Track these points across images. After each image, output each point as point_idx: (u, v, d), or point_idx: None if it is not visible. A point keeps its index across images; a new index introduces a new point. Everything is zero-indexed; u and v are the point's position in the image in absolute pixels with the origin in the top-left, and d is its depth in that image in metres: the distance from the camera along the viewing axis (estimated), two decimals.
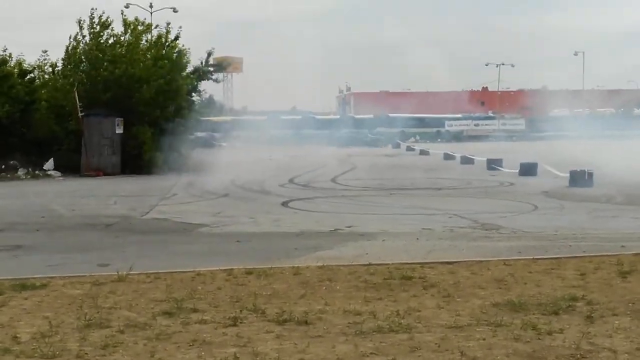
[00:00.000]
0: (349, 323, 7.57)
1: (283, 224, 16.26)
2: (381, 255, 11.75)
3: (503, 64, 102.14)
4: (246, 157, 42.37)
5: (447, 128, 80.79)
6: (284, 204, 20.38)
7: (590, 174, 24.26)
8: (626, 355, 6.44)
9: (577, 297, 8.47)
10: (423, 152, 47.46)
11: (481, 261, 10.98)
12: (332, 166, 35.05)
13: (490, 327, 7.32)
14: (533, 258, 11.17)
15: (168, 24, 35.30)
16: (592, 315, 7.76)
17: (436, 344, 6.84)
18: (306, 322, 7.61)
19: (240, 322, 7.67)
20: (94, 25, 33.75)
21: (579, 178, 24.07)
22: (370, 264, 10.64)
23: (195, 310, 8.11)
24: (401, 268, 10.23)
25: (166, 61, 33.34)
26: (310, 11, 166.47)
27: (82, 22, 33.90)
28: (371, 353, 6.63)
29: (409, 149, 53.59)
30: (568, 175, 24.62)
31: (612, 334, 7.05)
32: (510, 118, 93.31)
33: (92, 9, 33.89)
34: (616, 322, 7.49)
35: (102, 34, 33.93)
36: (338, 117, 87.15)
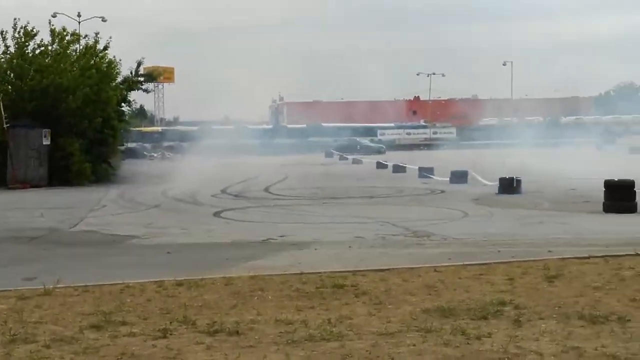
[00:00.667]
0: (280, 332, 7.55)
1: (215, 235, 16.16)
2: (313, 264, 11.75)
3: (434, 74, 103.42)
4: (178, 168, 42.03)
5: (379, 137, 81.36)
6: (216, 214, 20.27)
7: (519, 182, 24.69)
8: (552, 357, 6.56)
9: (505, 302, 8.60)
10: (356, 161, 47.73)
11: (412, 268, 11.07)
12: (265, 176, 35.00)
13: (420, 333, 7.38)
14: (463, 264, 11.31)
15: (97, 33, 34.92)
16: (520, 319, 7.88)
17: (367, 351, 6.87)
18: (237, 333, 7.57)
19: (170, 334, 7.59)
20: (19, 35, 33.13)
21: (508, 185, 24.48)
22: (302, 273, 10.64)
23: (124, 323, 8.00)
24: (333, 276, 10.25)
25: (94, 71, 32.91)
26: (243, 21, 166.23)
27: (4, 32, 33.30)
28: None
29: (342, 158, 53.81)
30: (497, 182, 25.00)
31: (539, 337, 7.17)
32: (441, 127, 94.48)
33: (15, 19, 33.32)
34: (543, 325, 7.62)
35: (27, 43, 33.32)
36: (271, 126, 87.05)
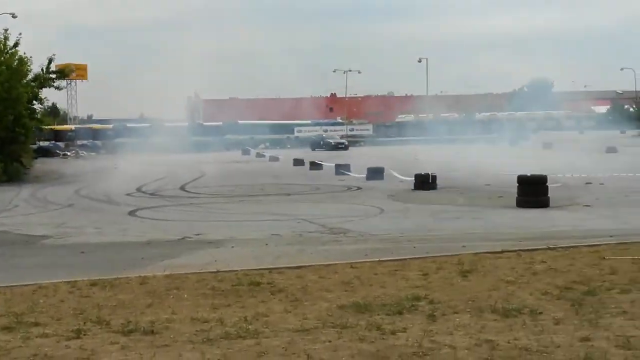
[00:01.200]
0: (196, 331, 7.47)
1: (130, 234, 15.92)
2: (230, 262, 11.69)
3: (350, 71, 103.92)
4: (92, 166, 41.32)
5: (296, 134, 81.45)
6: (131, 213, 19.97)
7: (434, 177, 25.00)
8: (466, 351, 6.64)
9: (420, 297, 8.68)
10: (273, 159, 47.65)
11: (329, 265, 11.10)
12: (181, 174, 34.66)
13: (336, 329, 7.39)
14: (379, 260, 11.39)
15: (6, 30, 34.00)
16: (434, 313, 7.97)
17: (283, 347, 6.85)
18: (152, 332, 7.47)
19: (84, 335, 7.44)
20: None
21: (423, 181, 24.75)
22: (218, 271, 10.57)
23: (36, 324, 7.81)
24: (249, 274, 10.21)
25: (4, 68, 32.05)
26: (158, 18, 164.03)
27: None
28: None
29: (259, 155, 53.68)
30: (413, 178, 25.26)
31: (453, 331, 7.26)
32: (358, 124, 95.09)
33: None
34: (457, 319, 7.72)
35: None
36: (186, 124, 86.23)
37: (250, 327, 7.54)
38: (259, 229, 16.04)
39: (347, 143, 67.73)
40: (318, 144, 66.80)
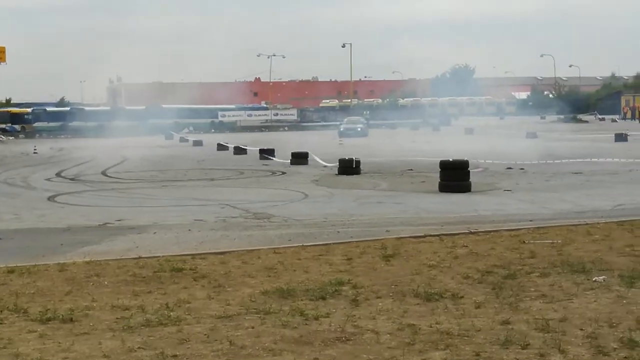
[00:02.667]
0: (116, 318, 7.32)
1: (49, 220, 15.54)
2: (152, 248, 11.51)
3: (274, 55, 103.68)
4: (9, 151, 40.34)
5: (220, 119, 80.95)
6: (50, 198, 19.53)
7: (358, 162, 25.08)
8: (388, 335, 6.66)
9: (343, 282, 8.68)
10: (196, 143, 47.25)
11: (252, 250, 11.02)
12: (103, 159, 34.07)
13: (259, 315, 7.34)
14: (302, 245, 11.36)
15: None
16: (357, 298, 7.97)
17: (205, 334, 6.76)
18: (71, 320, 7.29)
19: (1, 323, 7.22)
20: None
21: (347, 166, 24.82)
22: (140, 258, 10.39)
23: None
24: (172, 260, 10.06)
25: None
26: (75, 1, 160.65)
27: None
28: (139, 347, 6.44)
29: (183, 140, 53.15)
30: (337, 164, 25.32)
31: (376, 316, 7.27)
32: (282, 108, 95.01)
33: None
34: (380, 304, 7.74)
35: None
36: (108, 108, 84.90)
37: (172, 313, 7.42)
38: (182, 214, 15.85)
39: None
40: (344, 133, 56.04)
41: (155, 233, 13.24)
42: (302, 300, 7.92)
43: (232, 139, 46.73)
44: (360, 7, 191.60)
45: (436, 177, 20.06)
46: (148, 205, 17.96)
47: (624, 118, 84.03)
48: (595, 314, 7.07)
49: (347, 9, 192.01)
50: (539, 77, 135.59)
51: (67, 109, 78.54)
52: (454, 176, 19.51)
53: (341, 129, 57.62)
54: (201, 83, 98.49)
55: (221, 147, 40.67)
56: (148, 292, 8.42)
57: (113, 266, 9.85)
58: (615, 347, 6.16)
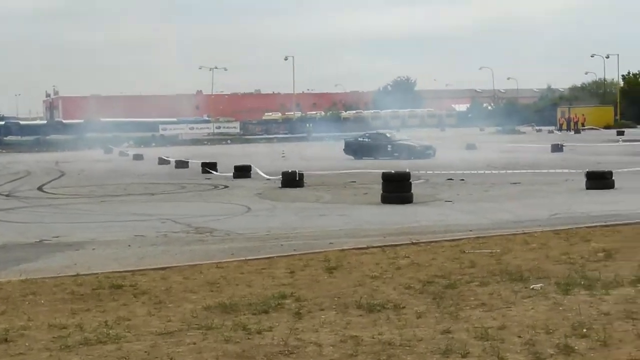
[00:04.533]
0: (53, 337, 7.19)
1: None
2: (90, 264, 11.34)
3: (216, 68, 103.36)
4: None
5: (161, 132, 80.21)
6: None
7: (301, 175, 25.09)
8: (331, 347, 6.66)
9: (286, 295, 8.66)
10: (137, 157, 46.65)
11: (194, 265, 10.95)
12: (39, 174, 33.50)
13: (201, 331, 7.27)
14: (245, 259, 11.32)
15: None
16: (301, 311, 7.96)
17: (146, 352, 6.68)
18: (6, 340, 7.14)
19: None
20: None
21: (291, 179, 24.80)
22: (78, 275, 10.24)
23: None
24: (111, 277, 9.93)
25: None
26: (10, 12, 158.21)
27: None
28: None
29: (122, 154, 52.49)
30: (280, 176, 25.28)
31: (319, 329, 7.27)
32: (225, 121, 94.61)
33: None
34: (322, 316, 7.74)
35: None
36: (45, 122, 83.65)
37: (111, 331, 7.32)
38: (122, 230, 15.64)
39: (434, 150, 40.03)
40: (362, 147, 41.32)
41: (94, 249, 13.06)
42: (244, 314, 7.88)
43: (173, 153, 46.29)
44: (302, 20, 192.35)
45: (379, 188, 20.17)
46: (86, 221, 17.71)
47: (560, 129, 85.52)
48: (532, 322, 7.16)
49: (289, 23, 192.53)
50: (478, 90, 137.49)
51: (2, 123, 77.12)
52: (396, 188, 19.65)
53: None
54: (142, 96, 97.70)
55: (162, 161, 40.27)
56: (86, 310, 8.29)
57: (50, 284, 9.69)
58: (552, 353, 6.25)
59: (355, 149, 41.41)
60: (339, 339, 6.91)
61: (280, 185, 24.71)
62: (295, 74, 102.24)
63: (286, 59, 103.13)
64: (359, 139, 42.94)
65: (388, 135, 43.12)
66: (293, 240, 13.55)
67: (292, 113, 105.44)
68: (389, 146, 40.24)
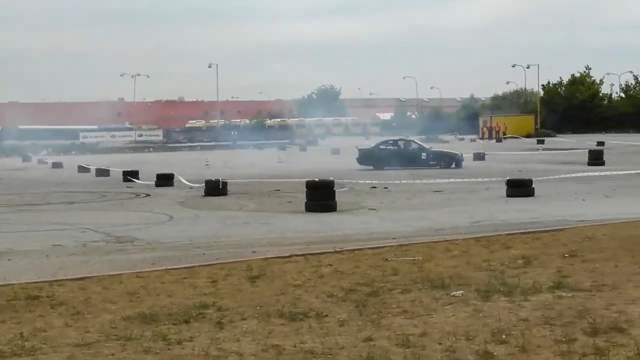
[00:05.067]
0: None
1: None
2: (6, 275, 11.03)
3: (139, 75, 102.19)
4: None
5: (82, 140, 78.84)
6: None
7: (225, 183, 24.94)
8: (252, 357, 6.60)
9: (208, 305, 8.57)
10: (56, 165, 45.72)
11: (114, 275, 10.75)
12: None
13: (120, 342, 7.13)
14: (166, 268, 11.16)
15: None
16: (222, 321, 7.88)
17: None
18: None
19: None
20: None
21: (214, 187, 24.63)
22: None
23: None
24: (27, 287, 9.68)
25: None
26: None
27: None
28: None
29: (41, 162, 51.42)
30: (203, 185, 25.09)
31: (240, 338, 7.20)
32: (147, 129, 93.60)
33: None
34: (244, 325, 7.67)
35: None
36: None
37: (26, 343, 7.12)
38: (40, 239, 15.28)
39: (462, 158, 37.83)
40: (386, 156, 37.63)
41: (9, 260, 12.71)
42: (165, 324, 7.76)
43: (94, 161, 45.57)
44: (226, 28, 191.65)
45: (303, 197, 20.17)
46: (3, 230, 17.21)
47: (482, 138, 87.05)
48: (453, 328, 7.23)
49: (213, 30, 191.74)
50: (402, 99, 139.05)
51: None
52: (320, 196, 19.68)
53: None
54: (62, 103, 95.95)
55: (82, 169, 39.57)
56: (1, 322, 8.06)
57: None
58: (472, 359, 6.31)
59: (378, 158, 37.55)
60: (261, 348, 6.85)
61: (203, 194, 24.52)
62: (220, 81, 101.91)
63: (210, 66, 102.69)
64: (381, 146, 39.20)
65: (418, 142, 41.34)
66: (215, 249, 13.44)
67: (217, 121, 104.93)
68: (424, 154, 37.75)
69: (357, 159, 38.49)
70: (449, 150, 40.34)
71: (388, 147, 38.80)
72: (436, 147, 41.72)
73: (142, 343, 7.06)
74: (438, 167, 36.08)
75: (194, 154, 61.59)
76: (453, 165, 36.36)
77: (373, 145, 40.05)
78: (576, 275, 9.55)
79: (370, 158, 37.89)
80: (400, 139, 41.70)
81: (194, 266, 11.37)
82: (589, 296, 8.42)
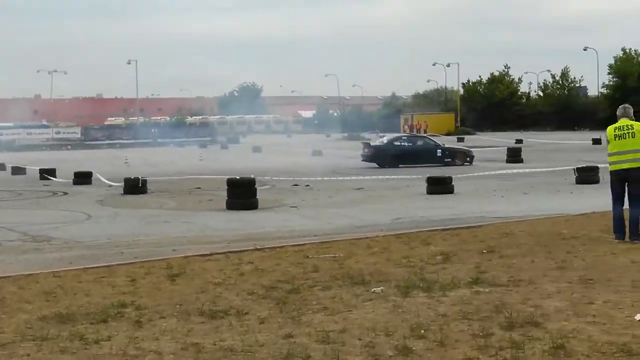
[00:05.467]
0: None
1: None
2: None
3: (56, 71, 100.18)
4: None
5: None
6: None
7: (145, 182, 24.65)
8: (171, 355, 6.53)
9: (126, 304, 8.45)
10: None
11: (29, 275, 10.51)
12: None
13: (35, 342, 6.98)
14: (84, 268, 10.97)
15: None
16: (141, 320, 7.78)
17: None
18: None
19: None
20: None
21: (133, 185, 24.31)
22: None
23: None
24: None
25: None
26: None
27: None
28: None
29: None
30: (122, 183, 24.75)
31: (159, 337, 7.12)
32: (65, 127, 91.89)
33: None
34: (164, 324, 7.59)
35: None
36: None
37: None
38: None
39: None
40: (401, 153, 36.73)
41: None
42: (82, 324, 7.62)
43: (9, 159, 44.48)
44: (146, 24, 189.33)
45: (224, 195, 20.07)
46: None
47: None
48: (372, 324, 7.28)
49: (132, 26, 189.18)
50: (324, 96, 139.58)
51: None
52: (241, 194, 19.62)
53: None
54: None
55: None
56: None
57: None
58: (391, 354, 6.37)
59: (393, 155, 36.26)
60: (180, 346, 6.79)
61: (122, 192, 24.19)
62: (139, 78, 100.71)
63: (129, 63, 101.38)
64: (395, 142, 37.88)
65: (433, 139, 40.13)
66: (135, 248, 13.27)
67: (136, 118, 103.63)
68: (439, 151, 36.76)
69: (365, 155, 36.91)
70: (462, 147, 39.98)
71: (402, 144, 37.76)
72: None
73: (58, 343, 6.92)
74: (454, 164, 35.51)
75: (113, 152, 60.72)
76: (468, 161, 36.18)
77: (386, 141, 38.71)
78: (494, 271, 9.72)
79: (383, 155, 36.43)
80: (414, 136, 40.57)
81: (113, 265, 11.21)
82: (506, 291, 8.57)
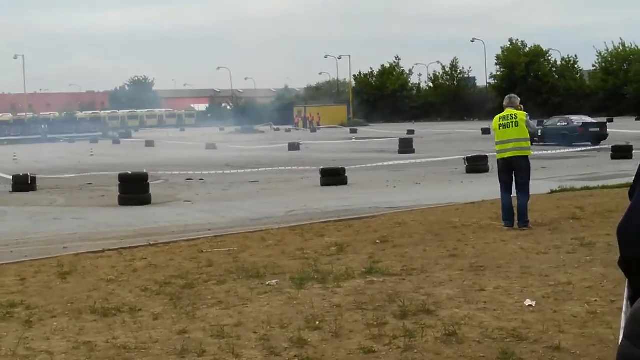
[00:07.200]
0: None
1: None
2: None
3: None
4: None
5: None
6: None
7: (34, 179, 24.04)
8: (63, 355, 6.41)
9: (16, 303, 8.24)
10: None
11: None
12: None
13: None
14: None
15: None
16: (31, 319, 7.60)
17: None
18: None
19: None
20: None
21: (22, 183, 23.67)
22: None
23: None
24: None
25: None
26: None
27: None
28: None
29: None
30: (10, 179, 24.06)
31: (50, 336, 6.97)
32: None
33: None
34: (55, 323, 7.43)
35: None
36: None
37: None
38: None
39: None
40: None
41: None
42: None
43: None
44: (32, 17, 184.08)
45: (116, 190, 19.75)
46: None
47: (297, 128, 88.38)
48: (268, 317, 7.30)
49: (18, 19, 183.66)
50: (217, 90, 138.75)
51: None
52: (134, 189, 19.35)
53: None
54: None
55: None
56: None
57: None
58: (286, 347, 6.40)
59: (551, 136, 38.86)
60: (72, 345, 6.67)
61: (10, 190, 23.51)
62: (27, 73, 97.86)
63: (16, 57, 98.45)
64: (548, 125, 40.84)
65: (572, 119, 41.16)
66: (24, 247, 12.93)
67: (25, 114, 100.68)
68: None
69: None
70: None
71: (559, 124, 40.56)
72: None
73: None
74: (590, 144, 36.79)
75: (1, 149, 58.89)
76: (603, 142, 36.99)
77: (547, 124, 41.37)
78: (387, 261, 9.87)
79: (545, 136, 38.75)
80: (565, 117, 42.63)
81: (1, 264, 10.89)
82: (399, 280, 8.71)
